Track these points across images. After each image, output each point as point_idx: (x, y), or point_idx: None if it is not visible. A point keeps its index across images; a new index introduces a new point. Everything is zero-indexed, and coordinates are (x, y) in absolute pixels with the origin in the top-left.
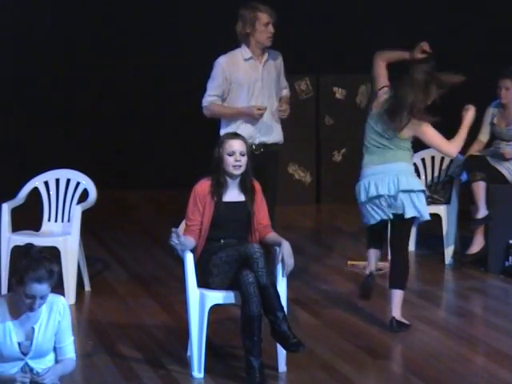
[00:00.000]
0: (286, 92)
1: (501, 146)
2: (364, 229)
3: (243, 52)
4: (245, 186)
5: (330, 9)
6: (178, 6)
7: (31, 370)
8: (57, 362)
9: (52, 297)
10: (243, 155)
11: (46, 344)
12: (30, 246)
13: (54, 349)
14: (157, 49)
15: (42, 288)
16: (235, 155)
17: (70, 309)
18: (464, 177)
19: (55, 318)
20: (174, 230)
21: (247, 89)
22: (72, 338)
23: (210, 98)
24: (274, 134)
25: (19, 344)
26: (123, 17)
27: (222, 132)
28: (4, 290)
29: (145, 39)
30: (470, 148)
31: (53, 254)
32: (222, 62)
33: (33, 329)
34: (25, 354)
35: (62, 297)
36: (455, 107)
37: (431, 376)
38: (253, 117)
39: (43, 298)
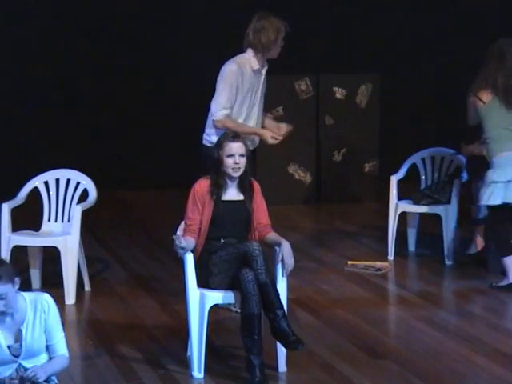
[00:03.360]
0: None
1: None
2: (364, 228)
3: (251, 61)
4: (243, 186)
5: (330, 9)
6: (178, 6)
7: (26, 370)
8: (50, 359)
9: (35, 295)
10: (242, 156)
11: (37, 343)
12: None
13: (46, 347)
14: (157, 49)
15: None
16: (234, 158)
17: (70, 309)
18: (464, 176)
19: (41, 316)
20: (175, 236)
21: (249, 98)
22: (62, 334)
23: (226, 112)
24: (257, 141)
25: (9, 347)
26: (123, 18)
27: (214, 137)
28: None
29: (145, 40)
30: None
31: (53, 253)
32: (235, 71)
33: (20, 330)
34: (16, 356)
35: (45, 294)
36: (460, 106)
37: (431, 376)
38: (266, 140)
39: (3, 298)
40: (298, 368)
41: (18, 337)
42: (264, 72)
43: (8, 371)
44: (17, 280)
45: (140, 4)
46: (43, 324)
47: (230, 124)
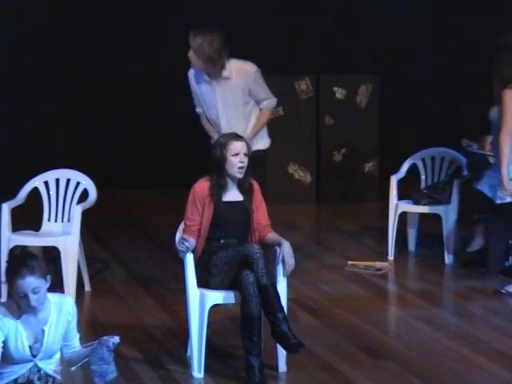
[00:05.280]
0: (265, 104)
1: None
2: (364, 228)
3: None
4: (243, 186)
5: (330, 9)
6: (178, 7)
7: (39, 370)
8: (61, 358)
9: (60, 297)
10: (246, 156)
11: (56, 345)
12: (13, 248)
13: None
14: (155, 49)
15: (26, 283)
16: (240, 156)
17: None
18: (465, 176)
19: (65, 318)
20: (184, 237)
21: (209, 107)
22: (78, 336)
23: (197, 110)
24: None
25: (30, 347)
26: (123, 19)
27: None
28: (4, 290)
29: (144, 40)
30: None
31: (53, 253)
32: (190, 73)
33: (42, 331)
34: (34, 356)
35: (69, 297)
36: (461, 105)
37: (431, 376)
38: None
39: (36, 292)
40: (298, 368)
41: (39, 337)
42: (219, 80)
43: (22, 370)
44: (48, 278)
45: (140, 4)
46: (65, 326)
47: (203, 123)
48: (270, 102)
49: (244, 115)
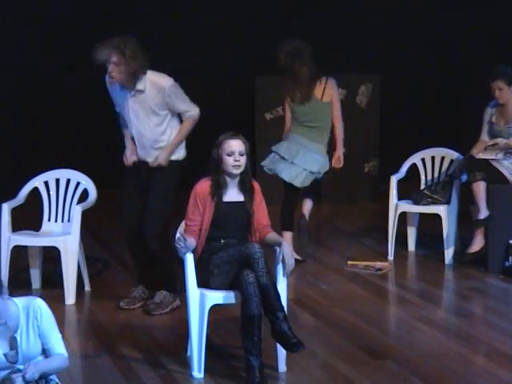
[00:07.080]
0: (187, 115)
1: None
2: (364, 228)
3: None
4: (244, 186)
5: (330, 9)
6: (178, 5)
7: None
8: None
9: (27, 301)
10: (242, 155)
11: (32, 349)
12: None
13: (43, 350)
14: (155, 49)
15: None
16: (234, 155)
17: (70, 309)
18: (464, 177)
19: (33, 322)
20: (180, 236)
21: (123, 112)
22: (59, 336)
23: (117, 108)
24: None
25: (5, 355)
26: (121, 19)
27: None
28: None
29: (142, 39)
30: (475, 147)
31: (53, 253)
32: (106, 78)
33: (14, 338)
34: (13, 363)
35: (38, 299)
36: (460, 106)
37: (431, 376)
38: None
39: None
40: (297, 368)
41: (13, 344)
42: (133, 92)
43: (6, 375)
44: (4, 290)
45: (139, 4)
46: (36, 330)
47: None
48: (190, 114)
49: (156, 128)
